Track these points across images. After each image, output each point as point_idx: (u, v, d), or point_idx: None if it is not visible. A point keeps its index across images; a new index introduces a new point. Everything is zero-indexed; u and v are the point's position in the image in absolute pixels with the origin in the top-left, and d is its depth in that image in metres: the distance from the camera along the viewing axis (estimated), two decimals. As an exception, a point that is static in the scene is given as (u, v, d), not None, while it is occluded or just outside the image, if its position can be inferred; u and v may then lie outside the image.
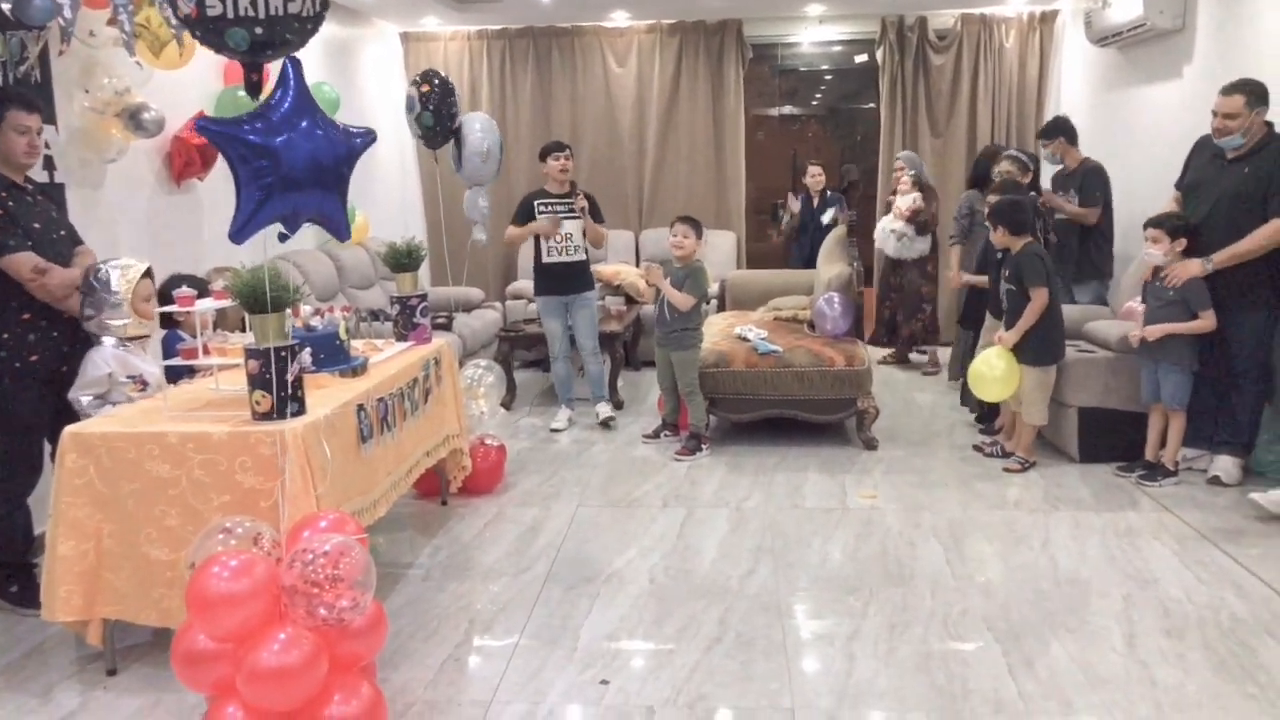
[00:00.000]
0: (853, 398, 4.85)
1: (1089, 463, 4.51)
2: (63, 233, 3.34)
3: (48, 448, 3.21)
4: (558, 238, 5.17)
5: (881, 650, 2.83)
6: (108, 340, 3.11)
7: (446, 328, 5.84)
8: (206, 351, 2.94)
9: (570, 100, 7.81)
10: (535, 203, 5.23)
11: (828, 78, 8.56)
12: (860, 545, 3.64)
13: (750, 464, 4.69)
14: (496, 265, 7.90)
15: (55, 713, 2.60)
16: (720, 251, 7.53)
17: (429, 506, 4.17)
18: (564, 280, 5.27)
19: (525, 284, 7.43)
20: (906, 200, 6.39)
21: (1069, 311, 4.71)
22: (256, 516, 2.57)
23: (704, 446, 4.84)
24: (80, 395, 3.06)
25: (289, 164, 2.65)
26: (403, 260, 3.91)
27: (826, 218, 6.80)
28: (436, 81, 5.08)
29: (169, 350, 3.36)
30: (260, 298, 2.66)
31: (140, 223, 4.39)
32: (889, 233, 6.46)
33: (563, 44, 7.74)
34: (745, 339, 5.10)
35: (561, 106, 7.80)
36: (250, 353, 2.65)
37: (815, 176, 6.98)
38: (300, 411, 2.72)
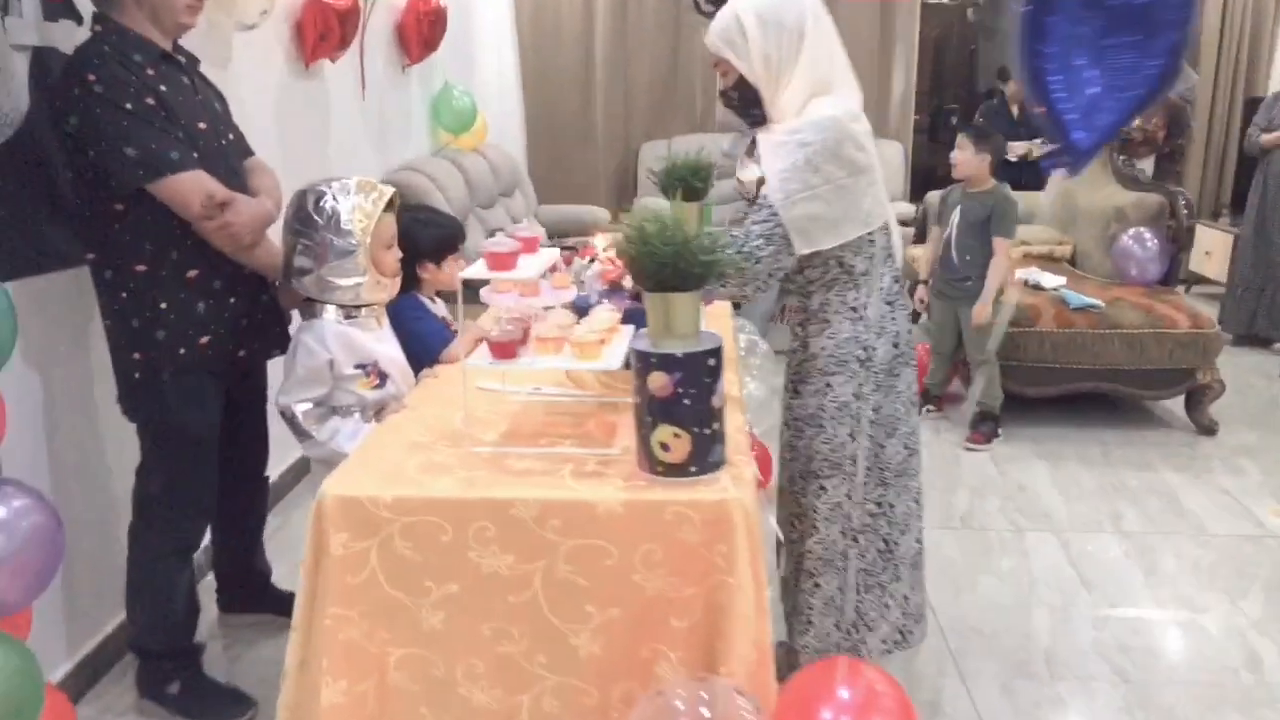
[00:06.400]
0: (1193, 369, 3.73)
1: None
2: (231, 137, 2.10)
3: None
4: None
5: None
6: (328, 310, 1.92)
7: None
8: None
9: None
10: None
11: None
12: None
13: (1068, 456, 3.57)
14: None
15: None
16: (886, 167, 6.26)
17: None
18: None
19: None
20: None
21: None
22: (666, 647, 1.49)
23: (999, 431, 3.73)
24: (295, 403, 1.89)
25: None
26: (689, 182, 2.57)
27: (1020, 149, 5.53)
28: None
29: (400, 324, 2.14)
30: (680, 269, 1.49)
31: (267, 114, 3.12)
32: None
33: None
34: (1041, 288, 3.94)
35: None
36: (664, 361, 1.48)
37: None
38: (723, 460, 1.58)
